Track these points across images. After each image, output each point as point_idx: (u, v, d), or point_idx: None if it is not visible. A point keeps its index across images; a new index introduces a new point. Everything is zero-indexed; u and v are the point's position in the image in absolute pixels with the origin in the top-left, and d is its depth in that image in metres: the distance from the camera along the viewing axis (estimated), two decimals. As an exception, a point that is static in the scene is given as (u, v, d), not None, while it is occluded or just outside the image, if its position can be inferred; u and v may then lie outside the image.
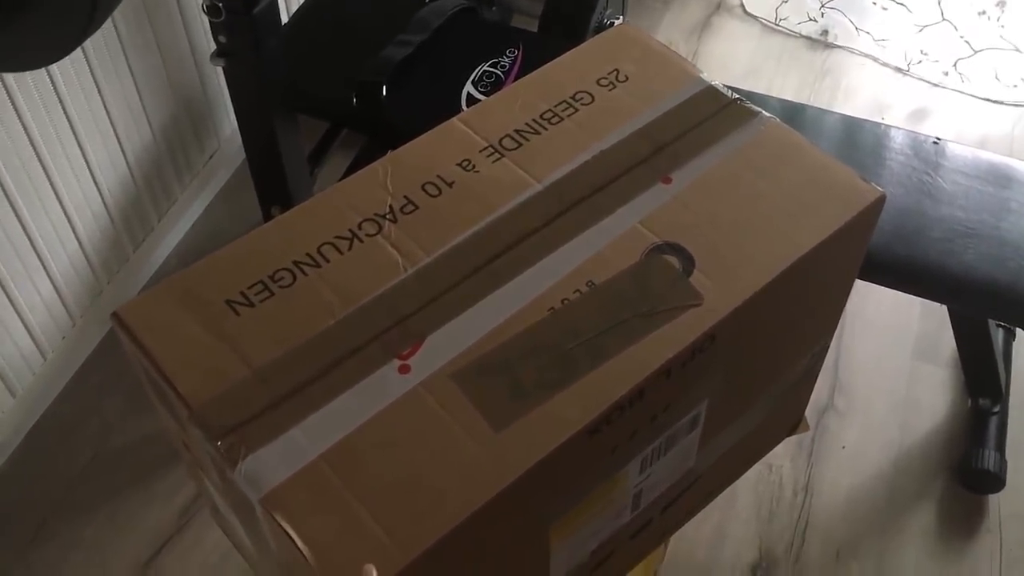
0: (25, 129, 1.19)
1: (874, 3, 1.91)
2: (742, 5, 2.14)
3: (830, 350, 1.55)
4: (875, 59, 1.97)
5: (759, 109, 0.75)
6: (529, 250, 0.67)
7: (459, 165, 0.72)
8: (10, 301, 1.26)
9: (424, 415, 0.59)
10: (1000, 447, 1.38)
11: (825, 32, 2.02)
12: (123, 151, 1.38)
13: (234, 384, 0.60)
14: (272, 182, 1.25)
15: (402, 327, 0.63)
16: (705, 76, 0.78)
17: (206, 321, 0.63)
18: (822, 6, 1.98)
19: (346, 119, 1.44)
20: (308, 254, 0.67)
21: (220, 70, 1.23)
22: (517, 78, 0.80)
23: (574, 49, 0.81)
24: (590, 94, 0.77)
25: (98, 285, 1.44)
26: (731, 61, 2.04)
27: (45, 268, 1.31)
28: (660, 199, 0.69)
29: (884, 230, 1.22)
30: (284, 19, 1.48)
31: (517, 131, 0.74)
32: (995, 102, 1.87)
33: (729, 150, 0.73)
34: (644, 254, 0.66)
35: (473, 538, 0.57)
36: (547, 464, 0.58)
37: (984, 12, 1.82)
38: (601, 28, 1.61)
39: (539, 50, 1.38)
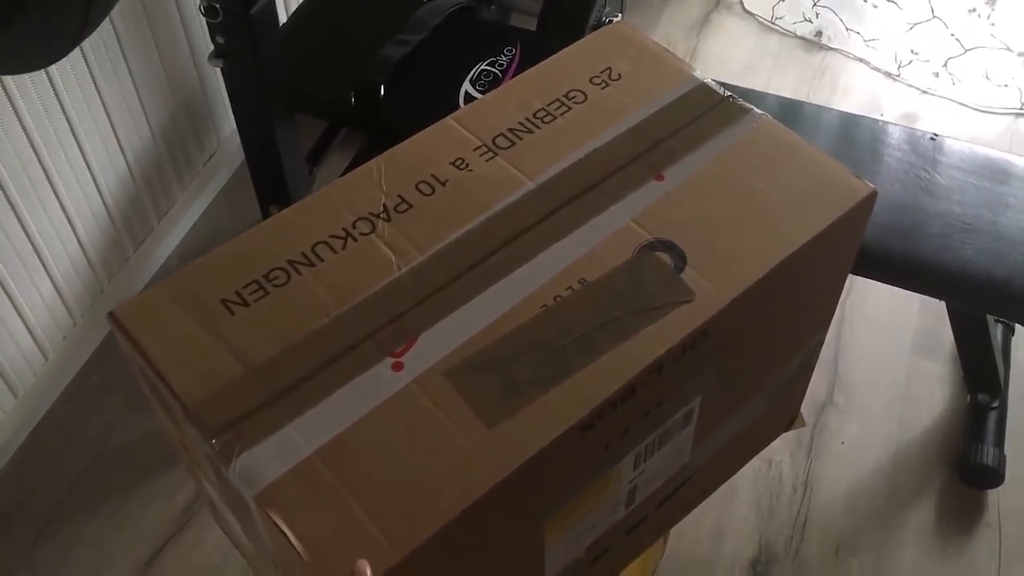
0: (25, 130, 1.20)
1: (865, 1, 1.91)
2: (741, 3, 2.14)
3: (829, 346, 1.57)
4: (867, 63, 1.98)
5: (751, 106, 0.76)
6: (522, 248, 0.67)
7: (453, 164, 0.72)
8: (11, 301, 1.27)
9: (417, 412, 0.59)
10: (999, 442, 1.38)
11: (819, 33, 2.02)
12: (123, 151, 1.38)
13: (229, 382, 0.61)
14: (271, 182, 1.25)
15: (395, 325, 0.63)
16: (698, 74, 0.78)
17: (201, 320, 0.64)
18: (815, 4, 1.98)
19: (345, 118, 1.44)
20: (303, 253, 0.67)
21: (219, 70, 1.23)
22: (515, 77, 0.80)
23: (568, 48, 0.81)
24: (583, 92, 0.77)
25: (99, 285, 1.45)
26: (729, 59, 2.04)
27: (46, 268, 1.32)
28: (653, 196, 0.70)
29: (881, 226, 1.22)
30: (282, 19, 1.49)
31: (510, 130, 0.74)
32: (985, 111, 1.87)
33: (722, 147, 0.73)
34: (636, 251, 0.67)
35: (467, 534, 0.58)
36: (540, 460, 0.58)
37: (974, 10, 1.82)
38: (599, 26, 1.61)
39: (537, 49, 1.38)
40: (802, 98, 1.90)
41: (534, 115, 0.76)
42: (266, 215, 1.35)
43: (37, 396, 1.42)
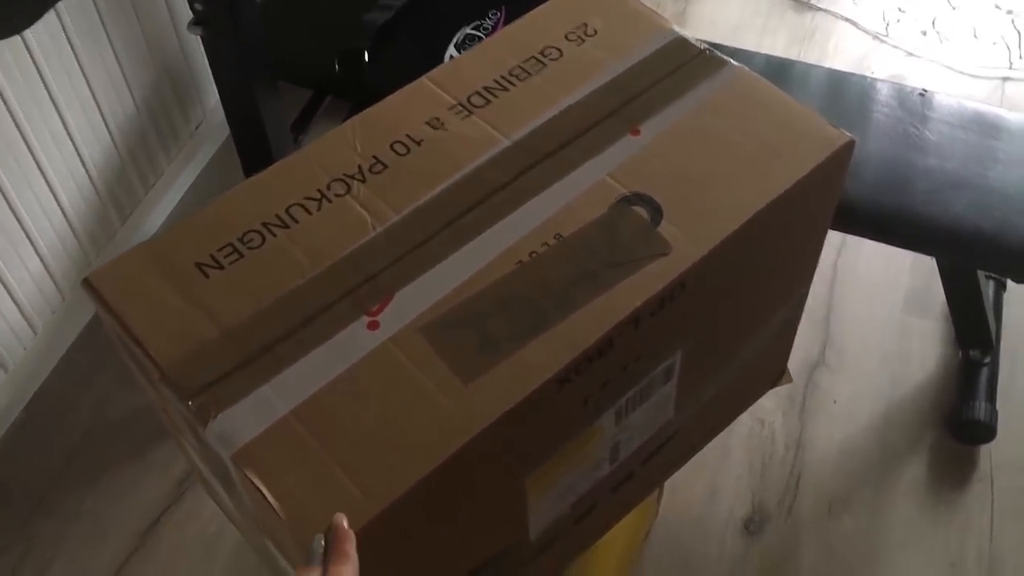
0: (5, 103, 1.19)
1: (852, -42, 1.89)
2: (731, -38, 2.12)
3: (820, 306, 1.56)
4: (855, 23, 1.96)
5: (728, 59, 0.75)
6: (497, 205, 0.67)
7: (428, 123, 0.72)
8: (-1, 277, 1.27)
9: (393, 369, 0.59)
10: (991, 398, 1.38)
11: (807, -8, 2.01)
12: (105, 123, 1.37)
13: (204, 345, 0.60)
14: (256, 151, 1.24)
15: (371, 284, 0.63)
16: (675, 28, 0.78)
17: (176, 284, 0.63)
18: (803, -37, 1.96)
19: (329, 86, 1.43)
20: (277, 215, 0.67)
21: (199, 38, 1.22)
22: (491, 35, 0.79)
23: (543, 5, 0.80)
24: (559, 49, 0.76)
25: (86, 259, 1.44)
26: (719, 20, 2.02)
27: (32, 242, 1.31)
28: (629, 150, 0.69)
29: (870, 182, 1.21)
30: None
31: (486, 88, 0.74)
32: (971, 76, 1.85)
33: (698, 100, 0.72)
34: (612, 205, 0.66)
35: (444, 489, 0.58)
36: (516, 414, 0.58)
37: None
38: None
39: (522, 11, 1.36)
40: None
41: (509, 73, 0.75)
42: (253, 186, 1.34)
43: (28, 371, 1.42)
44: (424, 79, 0.75)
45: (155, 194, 1.57)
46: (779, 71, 1.34)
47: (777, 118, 0.71)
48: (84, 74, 1.31)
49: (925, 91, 1.30)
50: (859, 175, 1.22)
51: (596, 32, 0.77)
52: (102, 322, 0.65)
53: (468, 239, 0.65)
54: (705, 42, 0.76)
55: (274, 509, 0.54)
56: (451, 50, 1.36)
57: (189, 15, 1.16)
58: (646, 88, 0.73)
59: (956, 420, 1.38)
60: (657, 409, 0.74)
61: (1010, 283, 1.53)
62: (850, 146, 0.70)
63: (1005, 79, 1.87)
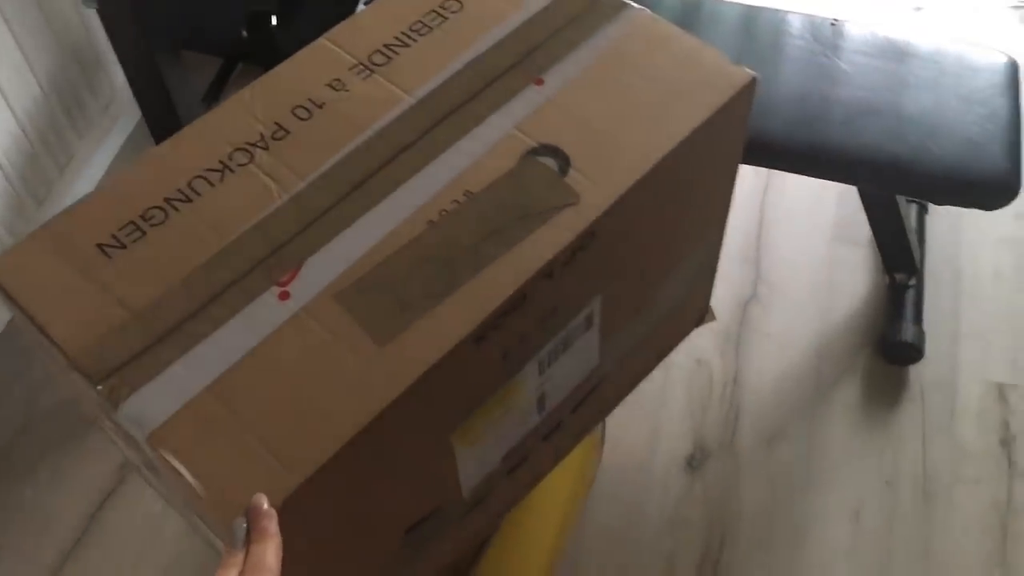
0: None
1: None
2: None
3: (750, 242, 1.58)
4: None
5: (629, 2, 0.75)
6: (404, 166, 0.66)
7: (329, 86, 0.71)
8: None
9: (307, 338, 0.59)
10: (917, 319, 1.42)
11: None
12: (11, 108, 1.33)
13: (111, 327, 0.59)
14: (166, 124, 1.21)
15: (279, 254, 0.62)
16: (575, -27, 0.77)
17: (79, 267, 0.62)
18: None
19: (239, 53, 1.40)
20: (179, 189, 0.65)
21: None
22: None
23: (443, -44, 0.79)
24: (459, 1, 0.75)
25: (2, 245, 1.40)
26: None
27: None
28: (534, 102, 0.69)
29: (786, 116, 1.22)
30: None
31: (386, 46, 0.73)
32: (885, 4, 1.87)
33: (600, 47, 0.72)
34: (520, 158, 0.66)
35: (368, 454, 0.58)
36: (434, 374, 0.58)
37: None
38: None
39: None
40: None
41: (410, 28, 0.74)
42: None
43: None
44: (323, 39, 0.74)
45: (70, 175, 1.53)
46: (692, 10, 1.34)
47: (679, 60, 0.71)
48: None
49: (836, 21, 1.31)
50: (774, 110, 1.23)
51: (496, -18, 0.76)
52: (15, 320, 0.64)
53: (376, 202, 0.64)
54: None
55: (194, 488, 0.54)
56: (362, 7, 1.33)
57: (84, -10, 1.12)
58: (548, 37, 0.73)
59: (885, 343, 1.42)
60: (581, 358, 0.75)
61: (932, 206, 1.56)
62: (753, 84, 0.70)
63: (918, 8, 1.89)
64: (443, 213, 0.64)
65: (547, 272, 0.62)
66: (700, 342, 1.47)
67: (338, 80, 0.71)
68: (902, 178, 1.22)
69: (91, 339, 0.59)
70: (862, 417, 1.40)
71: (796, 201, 1.63)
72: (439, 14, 0.75)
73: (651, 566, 1.29)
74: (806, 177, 1.32)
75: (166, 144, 0.68)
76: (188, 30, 1.30)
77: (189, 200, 0.65)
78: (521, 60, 0.71)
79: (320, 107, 0.69)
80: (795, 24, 1.31)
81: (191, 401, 0.57)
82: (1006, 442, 1.36)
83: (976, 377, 1.42)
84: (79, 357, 0.58)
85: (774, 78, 1.26)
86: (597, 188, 0.64)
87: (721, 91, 0.69)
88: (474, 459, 0.70)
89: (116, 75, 1.57)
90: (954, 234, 1.57)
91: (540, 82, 0.70)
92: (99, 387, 0.57)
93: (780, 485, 1.35)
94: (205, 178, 0.66)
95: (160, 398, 0.57)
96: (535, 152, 0.66)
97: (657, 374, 1.42)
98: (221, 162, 0.66)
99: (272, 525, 0.51)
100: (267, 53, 1.31)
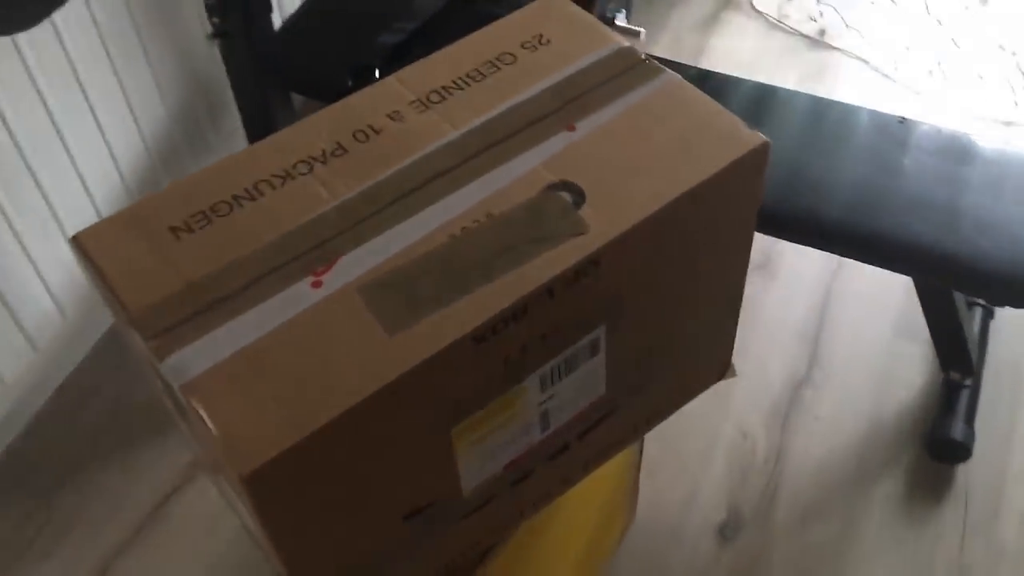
0: (45, 104, 1.31)
1: (863, -2, 1.96)
2: (750, 1, 2.20)
3: (811, 324, 1.61)
4: (865, 61, 2.02)
5: (665, 68, 0.83)
6: (440, 187, 0.75)
7: (388, 116, 0.80)
8: (33, 265, 1.38)
9: (328, 322, 0.67)
10: (969, 419, 1.42)
11: (822, 32, 2.07)
12: (138, 127, 1.49)
13: (168, 295, 0.69)
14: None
15: (319, 250, 0.72)
16: (622, 41, 0.86)
17: (150, 243, 0.72)
18: (819, 2, 2.03)
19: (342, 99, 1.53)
20: (246, 189, 0.76)
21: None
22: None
23: (506, 17, 0.89)
24: (513, 55, 0.85)
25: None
26: (736, 55, 2.10)
27: (63, 234, 1.43)
28: (562, 144, 0.77)
29: (841, 201, 1.27)
30: (293, 7, 1.59)
31: (443, 87, 0.82)
32: (975, 117, 1.90)
33: (632, 102, 0.80)
34: (540, 191, 0.74)
35: (367, 427, 0.66)
36: (434, 364, 0.66)
37: (968, 8, 1.86)
38: (604, 22, 1.68)
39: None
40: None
41: (467, 75, 0.83)
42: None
43: (59, 355, 1.54)
44: (392, 78, 0.84)
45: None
46: (763, 96, 1.41)
47: (699, 120, 0.78)
48: (119, 80, 1.43)
49: (904, 119, 1.36)
50: (832, 194, 1.28)
51: (550, 41, 0.86)
52: (90, 279, 0.75)
53: (410, 215, 0.73)
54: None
55: (210, 429, 0.62)
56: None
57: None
58: (587, 90, 0.81)
59: (933, 439, 1.42)
60: (586, 383, 0.81)
61: (999, 310, 1.56)
62: (765, 147, 0.77)
63: (1008, 123, 1.91)
64: (464, 229, 0.72)
65: (548, 289, 0.69)
66: (748, 416, 1.50)
67: (397, 112, 0.81)
68: (954, 273, 1.25)
69: (150, 303, 0.69)
70: (902, 509, 1.40)
71: (863, 290, 1.66)
72: (494, 64, 0.84)
73: (670, 627, 1.32)
74: (876, 268, 1.35)
75: (244, 151, 0.79)
76: (298, 75, 1.44)
77: (253, 199, 0.75)
78: (559, 108, 0.80)
79: (377, 132, 0.79)
80: (863, 118, 1.37)
81: (222, 362, 0.66)
82: (1047, 549, 1.34)
83: None
84: (138, 317, 0.68)
85: (835, 165, 1.31)
86: (605, 222, 0.72)
87: (733, 150, 0.76)
88: (475, 459, 0.77)
89: (236, 111, 1.73)
90: (1020, 339, 1.57)
91: (572, 128, 0.78)
92: (150, 343, 0.67)
93: (810, 566, 1.36)
94: (269, 182, 0.76)
95: (197, 357, 0.66)
96: (555, 186, 0.74)
97: (700, 440, 1.47)
98: (285, 170, 0.77)
99: None
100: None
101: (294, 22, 1.52)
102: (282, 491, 0.64)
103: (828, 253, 1.66)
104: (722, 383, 1.44)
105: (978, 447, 1.41)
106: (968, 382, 1.45)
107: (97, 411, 1.58)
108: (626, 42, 0.85)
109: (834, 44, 2.08)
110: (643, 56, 0.84)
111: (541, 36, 0.86)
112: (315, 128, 0.80)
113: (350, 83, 1.43)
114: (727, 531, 1.39)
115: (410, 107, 0.81)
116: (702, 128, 0.78)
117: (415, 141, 0.78)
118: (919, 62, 1.97)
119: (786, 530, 1.38)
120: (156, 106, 1.51)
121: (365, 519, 0.74)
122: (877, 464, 1.45)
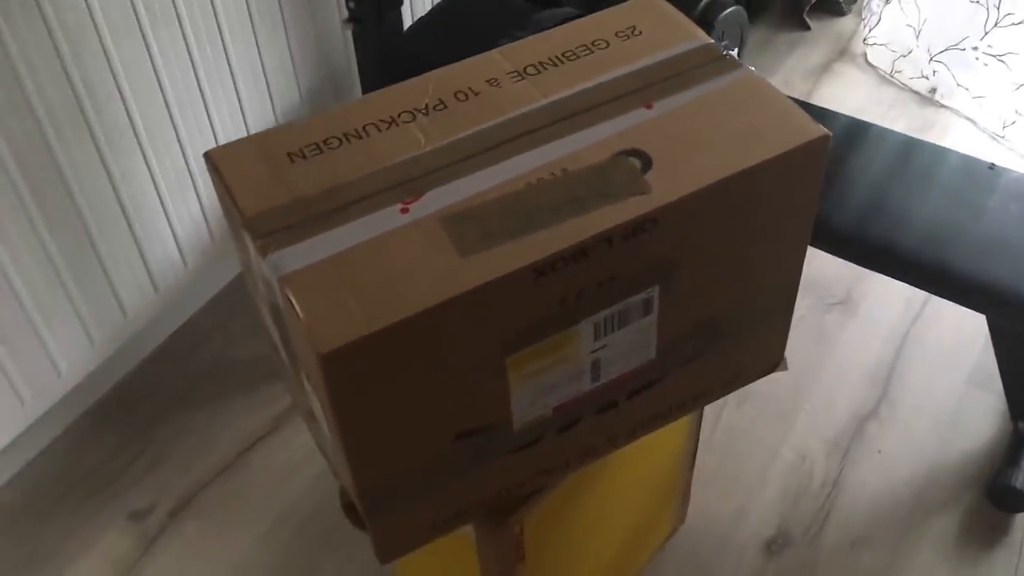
0: (195, 71, 1.46)
1: (976, 59, 1.98)
2: (864, 55, 2.24)
3: (885, 366, 1.63)
4: (974, 122, 2.04)
5: (742, 63, 0.90)
6: (523, 143, 0.84)
7: (487, 82, 0.90)
8: (164, 211, 1.52)
9: (410, 242, 0.77)
10: (1034, 471, 1.42)
11: (933, 90, 2.10)
12: (273, 106, 1.64)
13: (277, 205, 0.80)
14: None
15: (411, 184, 0.81)
16: (709, 39, 0.93)
17: (269, 164, 0.83)
18: (931, 59, 2.06)
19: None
20: (356, 129, 0.86)
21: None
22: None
23: (605, 10, 0.98)
24: (607, 42, 0.94)
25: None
26: (843, 103, 2.14)
27: (196, 192, 1.57)
28: (639, 119, 0.85)
29: (919, 234, 1.31)
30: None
31: (540, 62, 0.92)
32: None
33: (708, 88, 0.88)
34: (612, 155, 0.82)
35: (433, 334, 0.74)
36: (496, 288, 0.74)
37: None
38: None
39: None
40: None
41: (562, 54, 0.93)
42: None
43: (178, 301, 1.67)
44: (495, 51, 0.94)
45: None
46: (856, 130, 1.46)
47: (769, 109, 0.85)
48: (260, 56, 1.57)
49: (994, 165, 1.39)
50: (910, 226, 1.32)
51: (641, 33, 0.94)
52: (215, 189, 0.86)
53: (493, 164, 0.82)
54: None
55: (298, 314, 0.72)
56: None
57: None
58: (668, 76, 0.89)
59: (993, 484, 1.42)
60: (637, 340, 0.88)
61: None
62: (825, 139, 0.83)
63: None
64: (540, 180, 0.81)
65: (607, 237, 0.77)
66: (809, 441, 1.53)
67: (495, 79, 0.90)
68: (1027, 316, 1.27)
69: (261, 210, 0.80)
70: (954, 549, 1.40)
71: (942, 335, 1.67)
72: (588, 48, 0.93)
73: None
74: (956, 315, 1.37)
75: (358, 100, 0.90)
76: (420, 72, 1.55)
77: (360, 138, 0.85)
78: (640, 89, 0.88)
79: (476, 94, 0.89)
80: (952, 159, 1.40)
81: (315, 263, 0.75)
82: (1096, 605, 1.32)
83: (1082, 537, 1.40)
84: (250, 220, 0.79)
85: (917, 199, 1.35)
86: (666, 186, 0.79)
87: (795, 137, 0.83)
88: (527, 394, 0.84)
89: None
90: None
91: (650, 106, 0.86)
92: (257, 242, 0.78)
93: (854, 588, 1.37)
94: (376, 125, 0.86)
95: (295, 257, 0.76)
96: (625, 152, 0.82)
97: (759, 458, 1.51)
98: (391, 117, 0.87)
99: None
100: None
101: (422, 24, 1.65)
102: (353, 377, 0.73)
103: (909, 298, 1.69)
104: (789, 408, 1.49)
105: (1040, 500, 1.41)
106: (1037, 434, 1.45)
107: (202, 359, 1.71)
108: (711, 40, 0.93)
109: (944, 103, 2.10)
110: (726, 52, 0.91)
111: (634, 28, 0.95)
112: (422, 86, 0.90)
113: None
114: (774, 546, 1.42)
115: (507, 76, 0.91)
116: (770, 117, 0.85)
117: (507, 104, 0.88)
118: (1029, 127, 1.98)
119: (834, 552, 1.40)
120: (291, 83, 1.65)
121: (421, 430, 0.82)
122: (934, 503, 1.45)
